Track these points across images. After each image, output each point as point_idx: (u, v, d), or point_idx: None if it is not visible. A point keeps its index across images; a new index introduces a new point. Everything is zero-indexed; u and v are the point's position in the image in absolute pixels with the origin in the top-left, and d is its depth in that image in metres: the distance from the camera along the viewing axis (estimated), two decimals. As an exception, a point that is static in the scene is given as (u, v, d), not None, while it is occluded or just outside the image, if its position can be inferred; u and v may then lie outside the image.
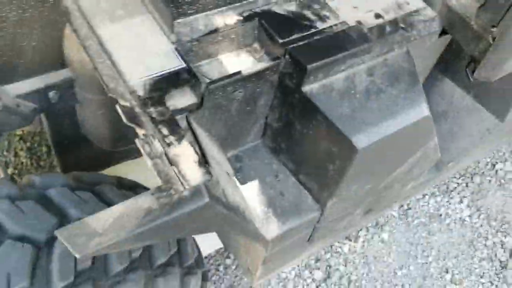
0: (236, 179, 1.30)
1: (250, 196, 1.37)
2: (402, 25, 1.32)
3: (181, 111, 1.15)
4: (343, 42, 1.22)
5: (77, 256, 1.14)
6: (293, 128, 1.34)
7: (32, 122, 1.73)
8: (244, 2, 1.25)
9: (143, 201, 1.23)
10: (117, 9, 1.27)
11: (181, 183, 1.05)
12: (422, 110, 1.28)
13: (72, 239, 1.15)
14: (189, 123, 1.18)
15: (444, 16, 1.38)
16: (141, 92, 1.12)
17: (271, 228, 1.36)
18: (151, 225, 1.24)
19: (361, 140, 1.16)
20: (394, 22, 1.32)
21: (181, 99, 1.16)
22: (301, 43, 1.20)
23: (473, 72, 1.73)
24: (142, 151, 1.09)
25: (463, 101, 1.98)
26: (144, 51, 1.18)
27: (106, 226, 1.17)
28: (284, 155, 1.45)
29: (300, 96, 1.21)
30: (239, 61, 1.25)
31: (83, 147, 2.00)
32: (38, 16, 1.41)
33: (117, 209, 1.21)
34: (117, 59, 1.15)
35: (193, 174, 1.07)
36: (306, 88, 1.20)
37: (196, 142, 1.14)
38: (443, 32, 1.43)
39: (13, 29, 1.41)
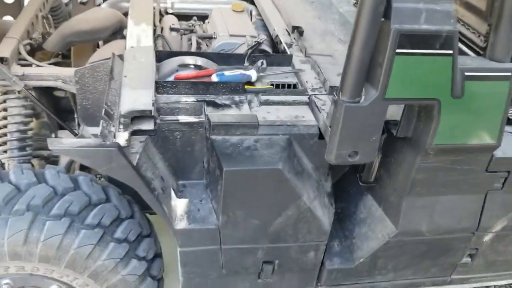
0: (173, 192, 2.20)
1: (176, 204, 2.25)
2: (288, 123, 2.21)
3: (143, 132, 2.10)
4: (243, 119, 2.15)
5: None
6: (211, 167, 2.21)
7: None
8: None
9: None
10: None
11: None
12: (275, 164, 2.13)
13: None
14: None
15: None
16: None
17: (180, 224, 2.21)
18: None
19: (228, 166, 2.05)
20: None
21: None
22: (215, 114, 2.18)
23: (360, 178, 2.54)
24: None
25: (377, 212, 2.72)
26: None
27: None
28: (208, 187, 2.33)
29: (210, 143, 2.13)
30: (186, 118, 2.21)
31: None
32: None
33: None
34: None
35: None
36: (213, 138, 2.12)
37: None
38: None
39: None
